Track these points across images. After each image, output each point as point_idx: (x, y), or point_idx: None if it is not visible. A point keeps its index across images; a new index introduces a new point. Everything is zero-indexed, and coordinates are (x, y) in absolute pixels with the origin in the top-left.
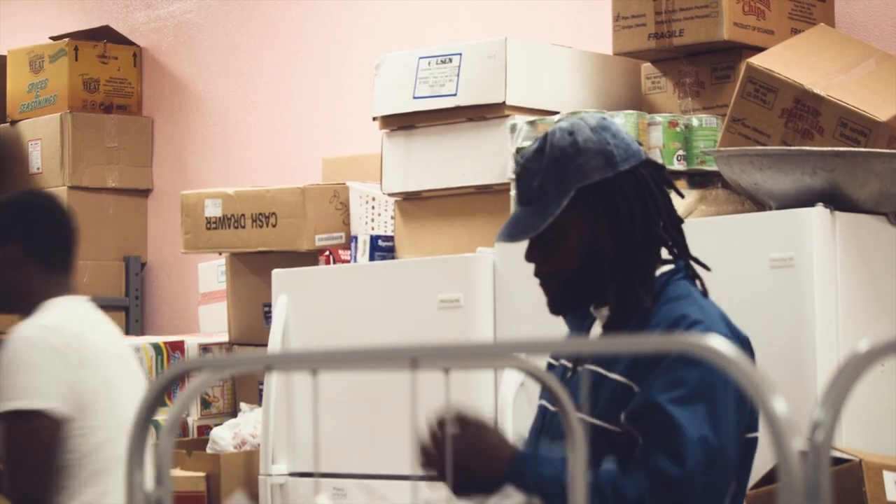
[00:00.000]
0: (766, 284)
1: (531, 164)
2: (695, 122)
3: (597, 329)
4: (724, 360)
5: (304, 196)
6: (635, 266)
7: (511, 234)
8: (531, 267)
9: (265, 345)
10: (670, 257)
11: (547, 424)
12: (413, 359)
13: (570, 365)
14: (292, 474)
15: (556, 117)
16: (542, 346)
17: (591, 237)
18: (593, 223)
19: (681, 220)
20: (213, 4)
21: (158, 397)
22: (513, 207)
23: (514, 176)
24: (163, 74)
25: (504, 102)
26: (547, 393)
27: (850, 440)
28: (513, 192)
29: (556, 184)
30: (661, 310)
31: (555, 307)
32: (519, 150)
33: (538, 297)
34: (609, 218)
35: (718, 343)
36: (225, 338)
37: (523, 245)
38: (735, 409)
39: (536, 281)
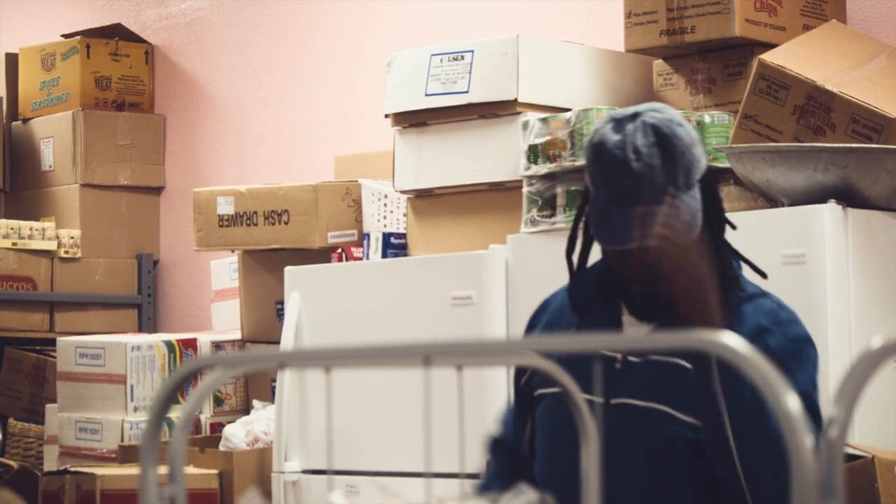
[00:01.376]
0: (778, 281)
1: (653, 161)
2: (707, 119)
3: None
4: (738, 356)
5: (316, 193)
6: (725, 259)
7: (664, 236)
8: (543, 264)
9: (278, 342)
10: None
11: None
12: (426, 356)
13: (617, 356)
14: (305, 472)
15: (567, 114)
16: (555, 344)
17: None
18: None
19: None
20: (225, 2)
21: (172, 395)
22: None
23: (628, 176)
24: (175, 72)
25: (516, 99)
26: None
27: (863, 437)
28: (608, 196)
29: (686, 177)
30: (746, 306)
31: (660, 312)
32: (595, 146)
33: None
34: (709, 210)
35: (732, 340)
36: (237, 335)
37: (537, 242)
38: None
39: (563, 280)
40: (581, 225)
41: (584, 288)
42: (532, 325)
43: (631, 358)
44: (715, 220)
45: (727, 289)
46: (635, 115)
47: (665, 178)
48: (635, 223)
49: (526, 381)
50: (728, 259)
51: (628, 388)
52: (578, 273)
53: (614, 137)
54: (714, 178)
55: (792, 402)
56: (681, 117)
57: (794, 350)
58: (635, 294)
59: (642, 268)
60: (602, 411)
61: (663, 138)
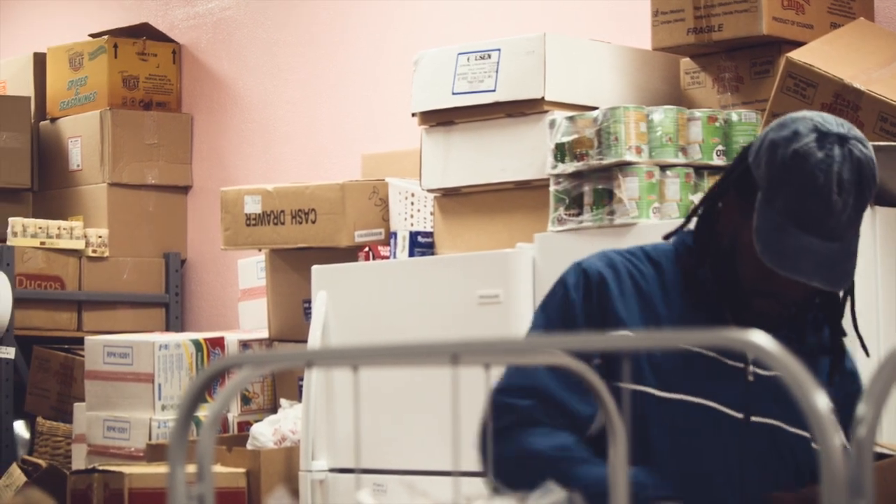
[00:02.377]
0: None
1: (849, 199)
2: (734, 117)
3: None
4: (768, 356)
5: (343, 192)
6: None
7: (833, 281)
8: (570, 262)
9: (305, 341)
10: None
11: (729, 432)
12: (453, 354)
13: (741, 366)
14: (332, 470)
15: (594, 113)
16: (582, 343)
17: None
18: None
19: None
20: (252, 1)
21: (199, 394)
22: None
23: (821, 205)
24: (202, 71)
25: (543, 98)
26: (707, 391)
27: (892, 436)
28: (790, 214)
29: (860, 224)
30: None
31: (774, 330)
32: (797, 155)
33: None
34: None
35: (761, 339)
36: (265, 334)
37: (564, 240)
38: None
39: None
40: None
41: (705, 278)
42: (606, 294)
43: (759, 370)
44: None
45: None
46: (843, 139)
47: (850, 220)
48: (811, 256)
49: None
50: (853, 304)
51: (768, 407)
52: (709, 261)
53: (819, 155)
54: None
55: (821, 402)
56: (874, 155)
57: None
58: (754, 305)
59: (787, 295)
60: (741, 428)
61: (864, 179)
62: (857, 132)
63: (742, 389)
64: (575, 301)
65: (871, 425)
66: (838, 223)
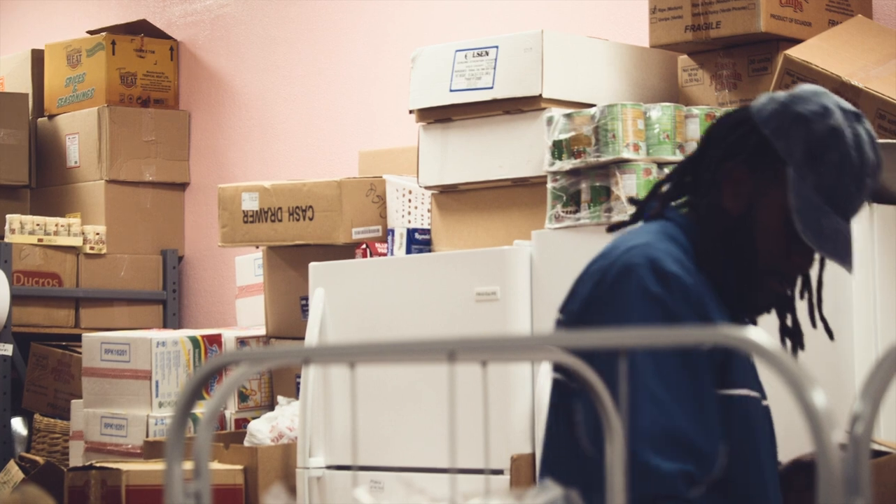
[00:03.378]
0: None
1: (873, 181)
2: None
3: None
4: (765, 352)
5: (340, 189)
6: None
7: (851, 261)
8: (568, 259)
9: (302, 338)
10: None
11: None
12: (451, 352)
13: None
14: (329, 467)
15: (591, 110)
16: (579, 339)
17: None
18: None
19: None
20: None
21: (197, 390)
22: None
23: (859, 181)
24: (200, 68)
25: (541, 95)
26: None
27: (889, 433)
28: (836, 197)
29: None
30: None
31: (769, 310)
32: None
33: None
34: None
35: (758, 336)
36: (262, 331)
37: (562, 238)
38: None
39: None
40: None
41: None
42: (699, 312)
43: None
44: None
45: None
46: (858, 117)
47: (864, 202)
48: (844, 238)
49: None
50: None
51: (762, 388)
52: (716, 237)
53: (849, 133)
54: None
55: (818, 398)
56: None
57: None
58: (765, 284)
59: (802, 273)
60: (765, 411)
61: (878, 159)
62: (857, 109)
63: (755, 373)
64: (681, 315)
65: (868, 422)
66: (861, 205)
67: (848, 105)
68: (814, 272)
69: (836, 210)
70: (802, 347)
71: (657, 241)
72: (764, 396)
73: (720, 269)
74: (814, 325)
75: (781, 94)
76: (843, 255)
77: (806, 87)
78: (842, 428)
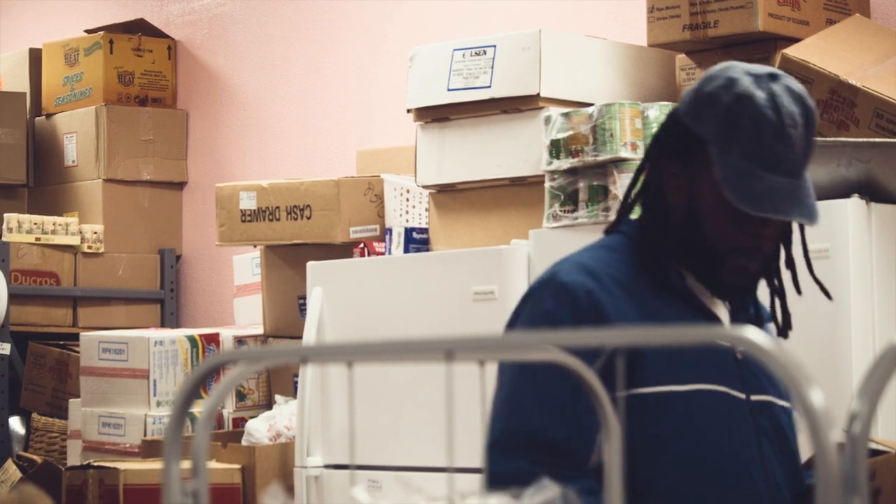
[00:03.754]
0: (802, 275)
1: (800, 131)
2: None
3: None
4: (763, 351)
5: (338, 188)
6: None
7: (809, 214)
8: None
9: (300, 337)
10: None
11: (747, 415)
12: (448, 351)
13: (728, 345)
14: (327, 466)
15: (589, 109)
16: (577, 338)
17: None
18: None
19: None
20: None
21: (194, 389)
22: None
23: (779, 140)
24: (197, 67)
25: (538, 94)
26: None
27: (887, 432)
28: (750, 155)
29: (810, 149)
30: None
31: (752, 290)
32: (740, 98)
33: None
34: None
35: (756, 335)
36: (260, 330)
37: (559, 237)
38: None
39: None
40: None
41: (657, 257)
42: (599, 307)
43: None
44: None
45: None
46: (774, 76)
47: (805, 154)
48: (783, 193)
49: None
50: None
51: (760, 384)
52: (657, 237)
53: (760, 93)
54: None
55: (816, 398)
56: None
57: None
58: (730, 266)
59: (763, 241)
60: (748, 406)
61: (808, 109)
62: (775, 69)
63: (735, 369)
64: (566, 325)
65: (866, 421)
66: (797, 157)
67: (761, 68)
68: (793, 241)
69: (768, 169)
70: (789, 329)
71: (580, 254)
72: (753, 391)
73: (666, 267)
74: (799, 291)
75: (696, 83)
76: (787, 209)
77: (715, 67)
78: (840, 427)
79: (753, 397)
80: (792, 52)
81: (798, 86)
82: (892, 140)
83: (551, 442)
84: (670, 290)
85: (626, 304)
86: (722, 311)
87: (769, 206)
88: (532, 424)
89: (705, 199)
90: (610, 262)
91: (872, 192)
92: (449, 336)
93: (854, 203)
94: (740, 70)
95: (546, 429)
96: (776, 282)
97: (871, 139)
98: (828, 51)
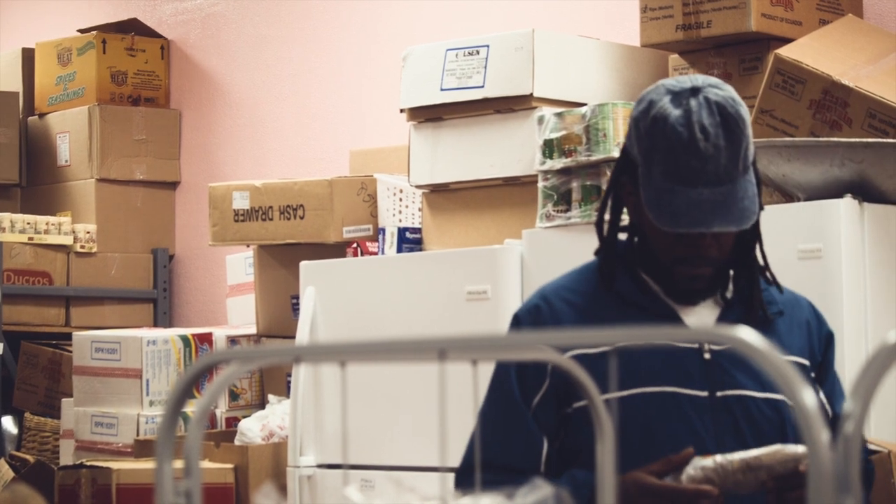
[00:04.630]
0: (795, 276)
1: (719, 141)
2: None
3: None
4: (756, 351)
5: (331, 188)
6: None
7: (733, 220)
8: (559, 258)
9: (293, 337)
10: None
11: (703, 410)
12: (441, 350)
13: (704, 346)
14: (320, 466)
15: (582, 109)
16: (570, 338)
17: None
18: None
19: None
20: None
21: (187, 389)
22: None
23: (694, 155)
24: (190, 67)
25: (531, 94)
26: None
27: (878, 432)
28: (668, 173)
29: (746, 161)
30: (782, 295)
31: (701, 295)
32: (655, 120)
33: None
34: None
35: (748, 335)
36: (253, 330)
37: (552, 237)
38: None
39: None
40: (610, 202)
41: (617, 269)
42: (540, 322)
43: (714, 346)
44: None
45: (759, 276)
46: (695, 90)
47: (732, 159)
48: (704, 206)
49: (545, 399)
50: (762, 246)
51: (729, 380)
52: (609, 252)
53: (675, 112)
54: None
55: (809, 397)
56: (736, 94)
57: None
58: (678, 275)
59: (702, 250)
60: (710, 404)
61: (728, 118)
62: (712, 80)
63: (701, 368)
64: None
65: (859, 421)
66: (718, 167)
67: (685, 83)
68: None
69: (688, 185)
70: (765, 313)
71: (555, 280)
72: (720, 387)
73: (614, 280)
74: (775, 284)
75: None
76: (708, 221)
77: (646, 90)
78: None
79: (720, 393)
80: (785, 52)
81: (721, 93)
82: (884, 140)
83: (507, 466)
84: (633, 302)
85: (570, 319)
86: (704, 313)
87: (686, 222)
88: (488, 454)
89: (644, 217)
90: (572, 283)
91: (865, 192)
92: (442, 336)
93: (847, 203)
94: (662, 90)
95: (500, 455)
96: (748, 274)
97: (864, 139)
98: (821, 51)
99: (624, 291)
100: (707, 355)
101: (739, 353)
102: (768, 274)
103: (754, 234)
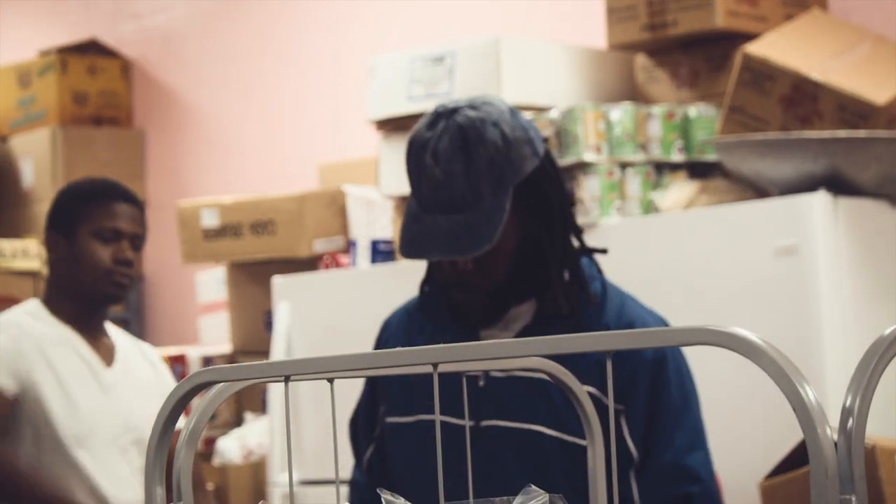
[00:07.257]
0: (771, 272)
1: (453, 167)
2: (692, 113)
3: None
4: (753, 348)
5: (301, 202)
6: (570, 258)
7: (458, 249)
8: None
9: (267, 353)
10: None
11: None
12: (434, 362)
13: (479, 373)
14: (302, 483)
15: (551, 113)
16: (560, 345)
17: (526, 235)
18: (528, 219)
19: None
20: (201, 14)
21: (178, 409)
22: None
23: (427, 182)
24: (152, 86)
25: None
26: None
27: (872, 426)
28: (416, 200)
29: (495, 185)
30: (608, 312)
31: (484, 319)
32: (408, 141)
33: None
34: (542, 209)
35: (745, 333)
36: (226, 348)
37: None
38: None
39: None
40: None
41: (433, 295)
42: (376, 346)
43: (494, 373)
44: (554, 219)
45: (573, 280)
46: (453, 112)
47: (470, 186)
48: (435, 234)
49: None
50: (575, 260)
51: (496, 409)
52: (428, 279)
53: (423, 136)
54: (552, 177)
55: (810, 394)
56: (504, 114)
57: (660, 359)
58: (454, 298)
59: (462, 276)
60: (472, 433)
61: (467, 142)
62: (480, 99)
63: (472, 397)
64: None
65: (862, 416)
66: (451, 193)
67: (456, 104)
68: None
69: (428, 211)
70: (576, 308)
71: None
72: (486, 417)
73: (429, 301)
74: (583, 287)
75: None
76: (431, 252)
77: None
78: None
79: (485, 423)
80: (753, 48)
81: (472, 115)
82: (856, 133)
83: (356, 454)
84: (442, 323)
85: (398, 335)
86: (504, 335)
87: (413, 250)
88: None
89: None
90: (412, 304)
91: (839, 185)
92: (433, 347)
93: (821, 197)
94: (430, 113)
95: (354, 444)
96: (551, 279)
97: (836, 133)
98: (788, 46)
99: (431, 312)
100: (482, 383)
101: (517, 383)
102: (592, 292)
103: (538, 254)
